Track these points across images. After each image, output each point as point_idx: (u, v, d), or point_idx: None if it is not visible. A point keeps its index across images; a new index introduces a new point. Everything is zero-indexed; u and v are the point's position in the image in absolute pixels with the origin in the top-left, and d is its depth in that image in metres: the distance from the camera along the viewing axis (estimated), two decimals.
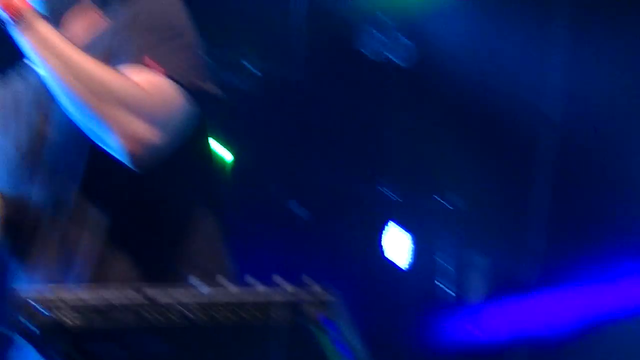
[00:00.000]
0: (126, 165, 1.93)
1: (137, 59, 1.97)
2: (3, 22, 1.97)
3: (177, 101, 1.96)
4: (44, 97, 2.06)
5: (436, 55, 5.89)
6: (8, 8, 1.92)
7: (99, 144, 1.93)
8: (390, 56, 6.02)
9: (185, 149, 2.03)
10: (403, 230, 5.97)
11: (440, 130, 5.94)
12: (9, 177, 2.10)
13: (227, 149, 5.83)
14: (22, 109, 2.13)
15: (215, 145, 5.67)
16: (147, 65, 1.96)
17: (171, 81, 1.96)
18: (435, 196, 5.97)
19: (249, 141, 5.95)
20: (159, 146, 1.92)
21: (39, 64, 1.95)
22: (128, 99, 1.89)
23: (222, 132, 5.70)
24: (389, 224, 5.98)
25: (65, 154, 2.02)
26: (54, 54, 1.92)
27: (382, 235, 5.98)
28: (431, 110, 5.97)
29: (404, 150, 6.03)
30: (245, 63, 5.81)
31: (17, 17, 1.93)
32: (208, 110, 2.08)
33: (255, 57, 5.86)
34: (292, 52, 5.85)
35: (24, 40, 1.95)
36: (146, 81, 1.94)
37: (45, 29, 1.94)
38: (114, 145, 1.91)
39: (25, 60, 2.09)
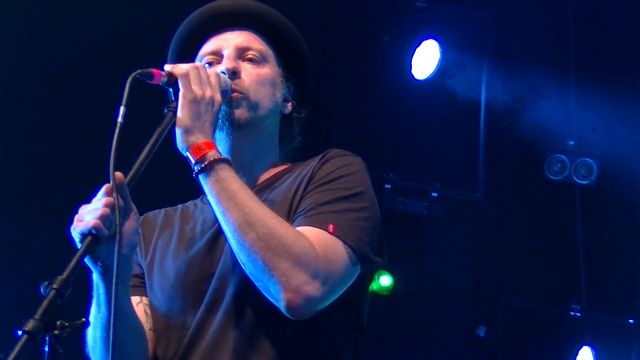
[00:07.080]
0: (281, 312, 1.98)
1: (316, 218, 2.05)
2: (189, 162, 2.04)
3: (343, 261, 2.02)
4: (218, 236, 2.14)
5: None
6: (194, 151, 2.02)
7: (261, 288, 1.99)
8: (573, 176, 6.03)
9: (343, 303, 2.08)
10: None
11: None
12: (170, 297, 2.18)
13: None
14: (197, 241, 2.20)
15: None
16: (325, 224, 2.03)
17: (342, 242, 2.02)
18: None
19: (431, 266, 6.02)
20: (317, 299, 1.97)
21: (215, 204, 2.01)
22: (296, 251, 1.95)
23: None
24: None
25: (229, 290, 2.09)
26: (228, 197, 1.99)
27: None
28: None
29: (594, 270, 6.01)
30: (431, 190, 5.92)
31: (201, 158, 2.02)
32: (369, 278, 2.19)
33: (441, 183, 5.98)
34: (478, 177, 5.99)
35: (203, 181, 2.03)
36: (317, 237, 2.01)
37: (225, 173, 2.02)
38: (274, 292, 1.96)
39: (205, 199, 2.15)
